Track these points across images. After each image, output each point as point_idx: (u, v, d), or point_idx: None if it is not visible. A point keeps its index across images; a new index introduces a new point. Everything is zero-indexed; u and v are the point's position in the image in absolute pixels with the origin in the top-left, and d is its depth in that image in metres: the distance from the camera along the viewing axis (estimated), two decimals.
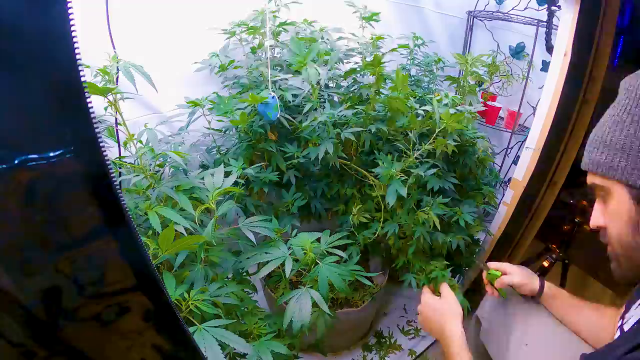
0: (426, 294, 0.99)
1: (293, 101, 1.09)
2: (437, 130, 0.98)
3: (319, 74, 0.95)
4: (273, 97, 0.99)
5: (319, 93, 1.13)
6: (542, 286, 0.92)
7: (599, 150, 0.59)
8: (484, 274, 0.97)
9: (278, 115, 1.01)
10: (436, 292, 1.01)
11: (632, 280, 0.62)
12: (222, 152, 1.18)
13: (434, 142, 1.01)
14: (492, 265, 0.96)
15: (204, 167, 1.11)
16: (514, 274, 0.92)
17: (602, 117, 0.62)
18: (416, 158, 1.03)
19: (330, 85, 1.32)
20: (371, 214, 1.11)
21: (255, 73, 1.22)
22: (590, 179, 0.63)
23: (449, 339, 0.86)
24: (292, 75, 1.02)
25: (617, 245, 0.60)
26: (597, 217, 0.63)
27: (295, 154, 1.09)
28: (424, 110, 1.03)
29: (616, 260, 0.62)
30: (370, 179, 1.09)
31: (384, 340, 1.46)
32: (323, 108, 1.06)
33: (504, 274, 0.94)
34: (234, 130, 1.17)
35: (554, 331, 0.89)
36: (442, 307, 0.93)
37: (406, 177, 1.00)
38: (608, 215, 0.61)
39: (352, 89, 1.25)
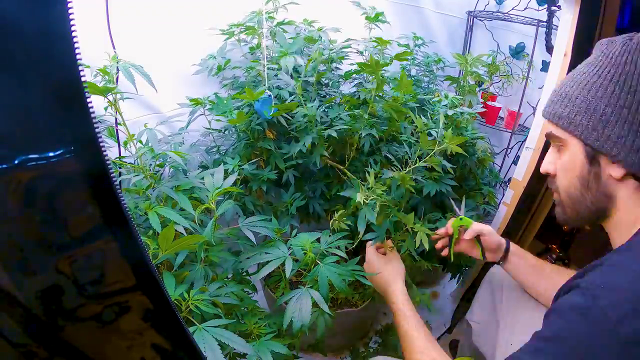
0: (370, 251, 1.01)
1: (292, 100, 1.09)
2: (436, 148, 0.95)
3: (297, 63, 0.99)
4: (269, 96, 1.00)
5: (317, 92, 1.13)
6: (507, 247, 0.91)
7: (563, 104, 0.61)
8: (451, 222, 0.93)
9: (272, 113, 1.02)
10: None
11: (573, 225, 0.68)
12: (221, 151, 1.18)
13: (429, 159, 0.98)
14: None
15: (204, 167, 1.12)
16: (483, 227, 0.92)
17: (571, 73, 0.64)
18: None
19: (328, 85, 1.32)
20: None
21: (253, 73, 1.22)
22: (549, 129, 0.65)
23: (392, 297, 0.90)
24: (278, 66, 1.02)
25: (565, 195, 0.64)
26: (549, 164, 0.66)
27: (293, 155, 1.09)
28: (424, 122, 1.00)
29: (561, 207, 0.66)
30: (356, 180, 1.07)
31: (383, 340, 1.46)
32: (311, 105, 1.07)
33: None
34: (233, 129, 1.18)
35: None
36: (385, 267, 0.96)
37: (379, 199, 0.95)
38: (560, 165, 0.64)
39: (355, 92, 1.25)
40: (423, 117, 1.02)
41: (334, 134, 1.02)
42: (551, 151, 0.67)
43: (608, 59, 0.58)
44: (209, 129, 1.16)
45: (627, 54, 0.56)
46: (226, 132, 1.21)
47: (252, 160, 1.07)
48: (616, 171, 0.57)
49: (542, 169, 0.68)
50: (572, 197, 0.62)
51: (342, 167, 1.11)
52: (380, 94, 1.09)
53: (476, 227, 0.90)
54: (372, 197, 0.92)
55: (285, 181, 1.14)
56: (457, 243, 0.93)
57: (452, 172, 1.08)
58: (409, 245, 1.01)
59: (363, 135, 1.04)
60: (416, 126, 0.98)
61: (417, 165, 0.96)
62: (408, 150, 1.02)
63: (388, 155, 1.06)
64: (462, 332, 0.99)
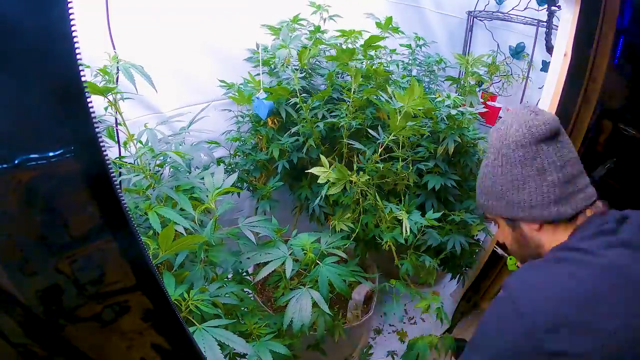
0: None
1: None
2: (399, 122, 0.95)
3: (290, 53, 1.12)
4: (258, 98, 1.09)
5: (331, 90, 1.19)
6: None
7: (480, 196, 0.75)
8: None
9: (268, 109, 1.11)
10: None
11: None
12: (241, 132, 1.30)
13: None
14: None
15: (205, 168, 1.12)
16: None
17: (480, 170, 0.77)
18: (410, 160, 1.02)
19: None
20: (354, 215, 1.08)
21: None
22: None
23: None
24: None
25: (511, 251, 0.78)
26: (499, 236, 0.79)
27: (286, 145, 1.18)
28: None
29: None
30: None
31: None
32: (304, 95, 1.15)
33: None
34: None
35: None
36: None
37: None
38: (500, 234, 0.77)
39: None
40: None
41: (321, 126, 1.09)
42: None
43: (490, 149, 0.70)
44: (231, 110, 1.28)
45: (495, 134, 0.69)
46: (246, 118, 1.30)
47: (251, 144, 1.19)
48: (534, 226, 0.68)
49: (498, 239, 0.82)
50: (515, 252, 0.76)
51: (334, 162, 1.12)
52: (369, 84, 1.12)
53: None
54: (335, 177, 0.93)
55: (298, 173, 1.21)
56: None
57: (428, 134, 1.09)
58: (397, 234, 1.01)
59: (341, 125, 1.08)
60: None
61: (386, 142, 0.99)
62: (379, 133, 1.02)
63: (352, 144, 1.07)
64: (464, 332, 0.99)
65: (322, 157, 0.94)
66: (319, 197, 1.04)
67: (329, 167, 0.94)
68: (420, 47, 1.48)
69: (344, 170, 0.93)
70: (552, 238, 0.67)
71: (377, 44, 1.05)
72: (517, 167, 0.66)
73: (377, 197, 1.00)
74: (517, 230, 0.71)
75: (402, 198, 1.08)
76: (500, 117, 1.71)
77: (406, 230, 0.96)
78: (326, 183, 0.93)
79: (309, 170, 0.95)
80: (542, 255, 0.69)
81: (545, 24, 1.47)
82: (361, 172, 0.97)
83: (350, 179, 0.94)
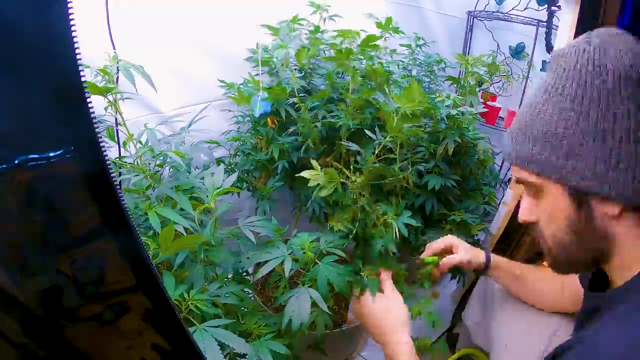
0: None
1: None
2: (395, 121, 0.94)
3: (289, 53, 1.12)
4: (257, 97, 1.09)
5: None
6: (488, 259, 0.91)
7: (529, 142, 0.49)
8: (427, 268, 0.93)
9: (262, 111, 1.12)
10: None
11: (569, 273, 0.60)
12: (241, 132, 1.29)
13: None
14: (429, 251, 0.94)
15: (205, 167, 1.12)
16: (459, 252, 0.90)
17: (529, 101, 0.52)
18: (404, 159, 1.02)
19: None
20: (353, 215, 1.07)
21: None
22: (518, 174, 0.53)
23: (396, 351, 0.76)
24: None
25: (553, 244, 0.53)
26: (528, 213, 0.56)
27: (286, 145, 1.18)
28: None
29: (550, 255, 0.55)
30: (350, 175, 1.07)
31: None
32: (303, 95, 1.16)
33: (448, 252, 0.92)
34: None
35: (530, 328, 0.89)
36: (388, 308, 0.82)
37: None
38: (541, 213, 0.53)
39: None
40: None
41: (319, 125, 1.09)
42: (526, 198, 0.56)
43: (559, 75, 0.47)
44: (230, 111, 1.28)
45: (574, 57, 0.46)
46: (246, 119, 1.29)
47: (249, 144, 1.20)
48: (612, 209, 0.46)
49: (521, 219, 0.57)
50: (563, 245, 0.52)
51: (336, 164, 1.12)
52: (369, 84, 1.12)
53: (450, 260, 0.90)
54: (326, 179, 0.92)
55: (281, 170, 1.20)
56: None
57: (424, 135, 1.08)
58: (388, 238, 0.99)
59: (339, 125, 1.08)
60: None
61: (384, 143, 0.98)
62: (376, 133, 1.02)
63: (349, 144, 1.05)
64: (461, 327, 0.99)
65: (313, 161, 0.94)
66: (310, 200, 1.04)
67: (320, 170, 0.93)
68: (420, 47, 1.48)
69: (333, 173, 0.93)
70: (628, 238, 0.47)
71: (374, 43, 1.05)
72: (620, 105, 0.43)
73: (369, 200, 1.00)
74: (581, 211, 0.48)
75: (400, 199, 1.08)
76: (501, 117, 1.71)
77: (396, 236, 0.96)
78: (317, 185, 0.93)
79: (298, 175, 0.95)
80: (600, 260, 0.50)
81: (545, 24, 1.47)
82: (357, 173, 0.97)
83: (342, 180, 0.94)
